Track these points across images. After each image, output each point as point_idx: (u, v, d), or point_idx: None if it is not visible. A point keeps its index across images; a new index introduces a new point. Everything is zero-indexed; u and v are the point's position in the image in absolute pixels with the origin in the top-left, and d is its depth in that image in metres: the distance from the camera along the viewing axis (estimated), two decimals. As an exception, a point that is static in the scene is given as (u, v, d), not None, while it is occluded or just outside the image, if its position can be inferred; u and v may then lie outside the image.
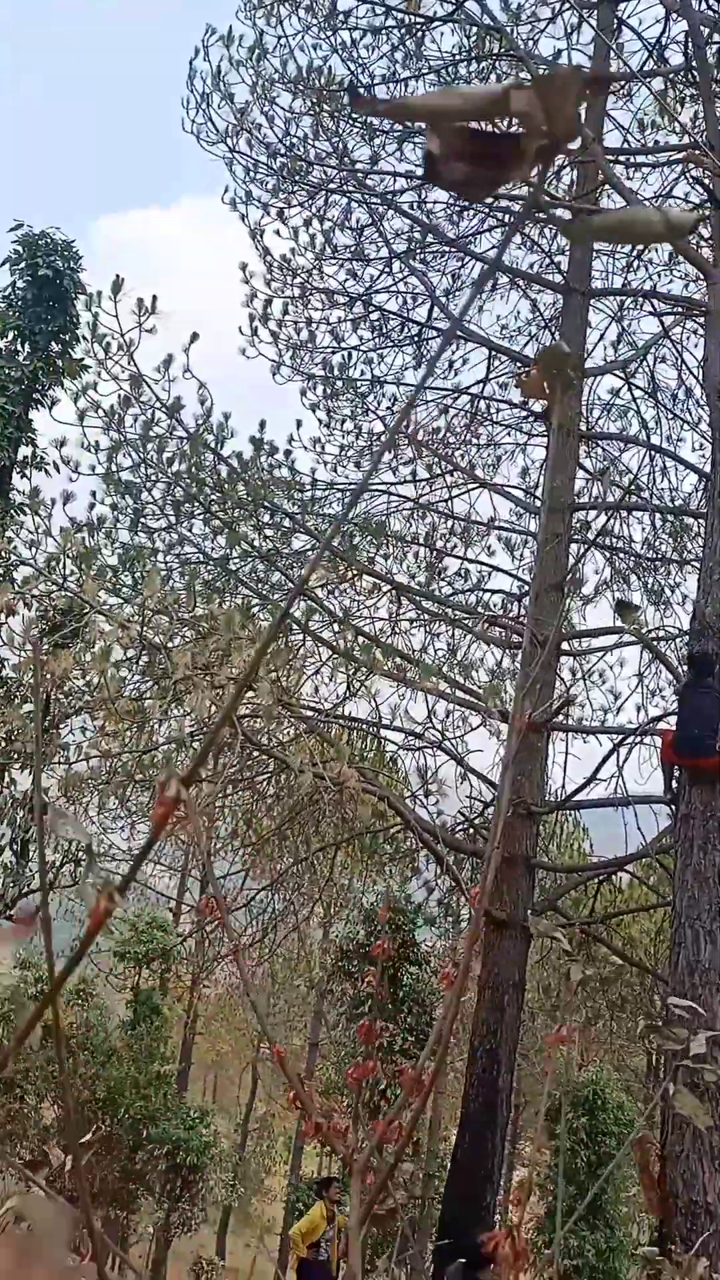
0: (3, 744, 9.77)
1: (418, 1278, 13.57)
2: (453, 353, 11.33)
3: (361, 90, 9.40)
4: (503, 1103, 8.70)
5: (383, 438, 11.04)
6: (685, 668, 7.08)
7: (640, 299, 10.72)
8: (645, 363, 11.10)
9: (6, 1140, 15.84)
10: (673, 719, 7.14)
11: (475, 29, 9.96)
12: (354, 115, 9.80)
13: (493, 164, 0.54)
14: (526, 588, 10.44)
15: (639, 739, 9.08)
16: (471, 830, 9.88)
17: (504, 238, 2.87)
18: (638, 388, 11.30)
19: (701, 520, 8.03)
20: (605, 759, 8.96)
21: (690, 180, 9.76)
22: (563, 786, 9.98)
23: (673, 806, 6.92)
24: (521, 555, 11.06)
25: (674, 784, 6.92)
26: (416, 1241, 14.82)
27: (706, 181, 7.89)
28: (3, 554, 8.16)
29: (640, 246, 10.83)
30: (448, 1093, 17.74)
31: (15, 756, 9.68)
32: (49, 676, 8.81)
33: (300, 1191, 16.22)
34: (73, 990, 17.69)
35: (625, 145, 10.57)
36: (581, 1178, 12.85)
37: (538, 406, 10.33)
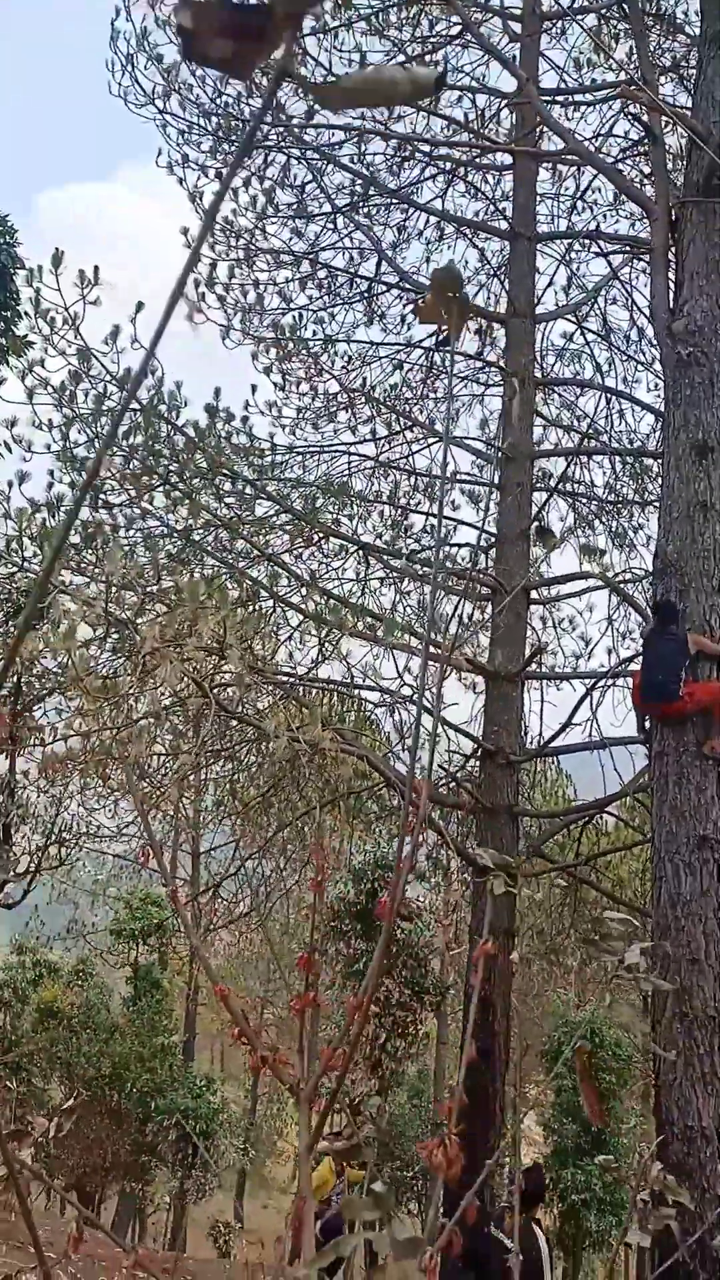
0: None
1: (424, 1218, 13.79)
2: (403, 307, 11.24)
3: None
4: (499, 1046, 8.84)
5: (338, 397, 10.96)
6: (652, 614, 7.12)
7: (587, 240, 10.64)
8: (596, 305, 11.06)
9: (15, 1121, 15.98)
10: (640, 661, 7.19)
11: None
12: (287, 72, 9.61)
13: (250, 37, 0.54)
14: (492, 539, 10.44)
15: (611, 682, 9.14)
16: (454, 784, 9.93)
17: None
18: (590, 331, 11.27)
19: (659, 460, 8.03)
20: (579, 704, 9.02)
21: (629, 117, 9.67)
22: (540, 734, 10.05)
23: (648, 745, 6.99)
24: (486, 506, 11.04)
25: (646, 724, 6.98)
26: (427, 1186, 15.08)
27: (644, 117, 7.81)
28: (-39, 539, 8.08)
29: (583, 187, 10.76)
30: (451, 1042, 18.02)
31: (-9, 742, 9.65)
32: (18, 660, 8.77)
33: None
34: (72, 970, 17.81)
35: (561, 85, 10.46)
36: (583, 1114, 13.08)
37: (474, 346, 10.28)
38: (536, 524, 9.85)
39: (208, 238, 10.15)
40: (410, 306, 10.55)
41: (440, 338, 9.68)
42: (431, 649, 9.40)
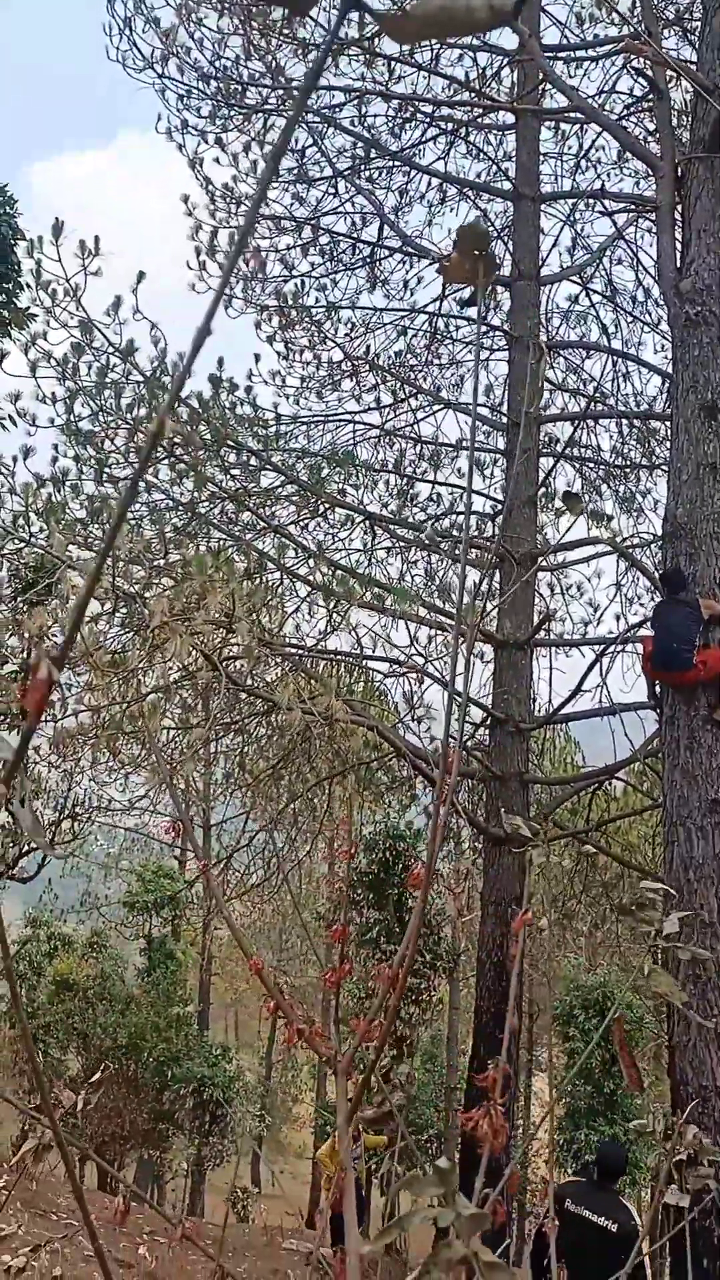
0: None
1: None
2: (406, 271, 11.13)
3: None
4: (513, 1012, 8.89)
5: (342, 366, 10.86)
6: (660, 583, 7.07)
7: (591, 200, 10.49)
8: (602, 266, 10.93)
9: (33, 1093, 16.16)
10: (651, 630, 7.15)
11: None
12: (284, 32, 9.48)
13: None
14: (500, 506, 10.37)
15: (620, 648, 9.10)
16: (464, 752, 9.93)
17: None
18: (595, 292, 11.14)
19: (667, 423, 7.95)
20: (589, 671, 8.99)
21: (632, 72, 9.50)
22: (549, 701, 10.03)
23: (659, 712, 6.96)
24: (492, 474, 10.97)
25: (657, 690, 6.95)
26: (444, 1150, 15.24)
27: (648, 72, 7.66)
28: (-34, 515, 8.04)
29: (587, 145, 10.60)
30: (464, 1008, 18.12)
31: (2, 716, 9.65)
32: (27, 635, 8.76)
33: (326, 1115, 16.62)
34: (85, 943, 17.94)
35: (564, 41, 10.28)
36: (597, 1076, 13.18)
37: (472, 311, 10.18)
38: (564, 490, 9.79)
39: (209, 205, 10.05)
40: (435, 265, 10.42)
41: (466, 298, 9.57)
42: (449, 619, 9.39)
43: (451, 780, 1.24)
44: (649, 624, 7.16)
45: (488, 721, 9.49)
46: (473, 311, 10.62)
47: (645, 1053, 15.03)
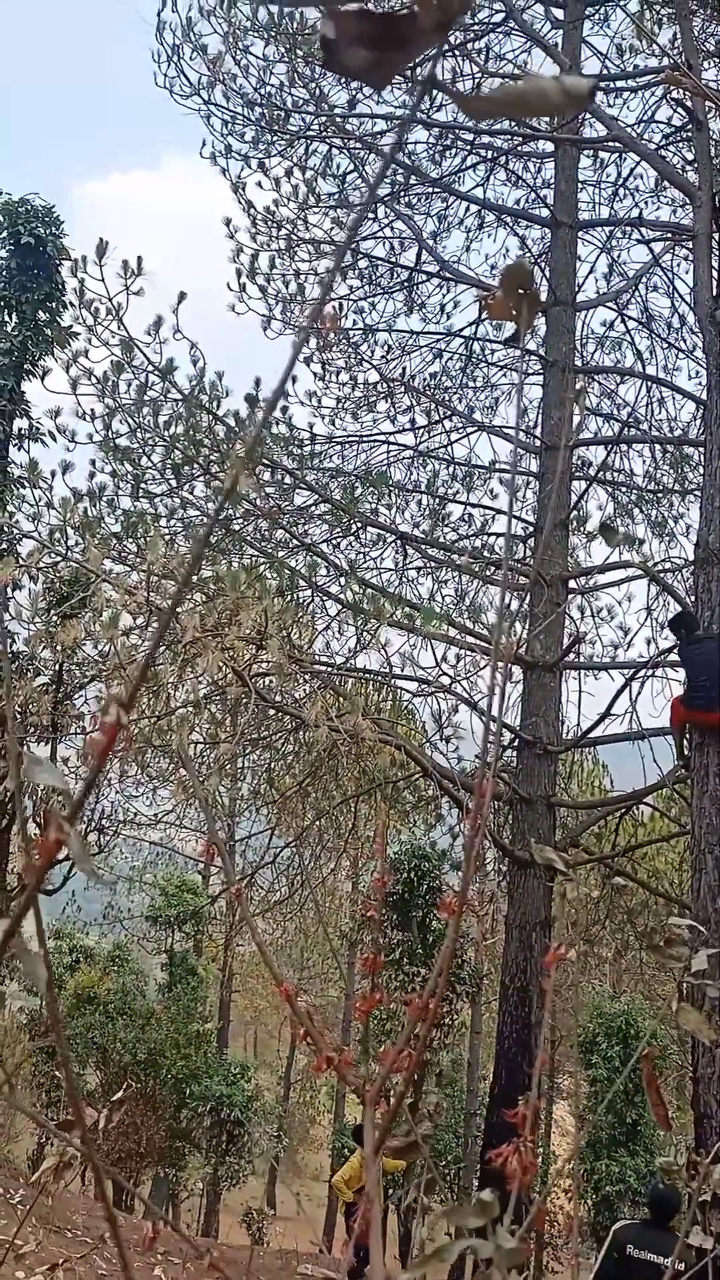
0: (18, 718, 9.84)
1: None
2: (443, 296, 11.23)
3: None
4: (536, 1038, 8.84)
5: (377, 387, 10.95)
6: (671, 631, 7.10)
7: (628, 228, 10.56)
8: (637, 293, 10.98)
9: (51, 1106, 16.18)
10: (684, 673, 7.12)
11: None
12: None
13: (391, 45, 0.53)
14: (531, 529, 10.40)
15: (651, 672, 9.09)
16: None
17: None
18: (631, 319, 11.20)
19: (701, 449, 7.96)
20: (618, 695, 8.98)
21: (671, 102, 9.58)
22: (578, 725, 10.02)
23: (686, 768, 6.93)
24: (524, 496, 11.01)
25: (685, 746, 6.94)
26: (463, 1177, 15.13)
27: (688, 103, 7.73)
28: (5, 528, 8.17)
29: (625, 174, 10.67)
30: (485, 1032, 18.00)
31: (31, 730, 9.77)
32: (60, 647, 8.86)
33: (344, 1139, 16.53)
34: (108, 957, 17.99)
35: (604, 71, 10.38)
36: (619, 1105, 13.06)
37: (508, 330, 10.24)
38: (602, 522, 9.83)
39: (250, 228, 10.20)
40: (480, 303, 10.51)
41: (509, 335, 9.64)
42: (479, 640, 9.41)
43: (486, 808, 1.27)
44: (682, 666, 7.12)
45: (515, 743, 9.50)
46: (516, 344, 10.70)
47: (669, 1083, 14.88)
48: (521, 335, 1.01)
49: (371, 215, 10.51)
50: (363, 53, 0.53)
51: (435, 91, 8.48)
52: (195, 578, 8.11)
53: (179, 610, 7.74)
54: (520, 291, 1.01)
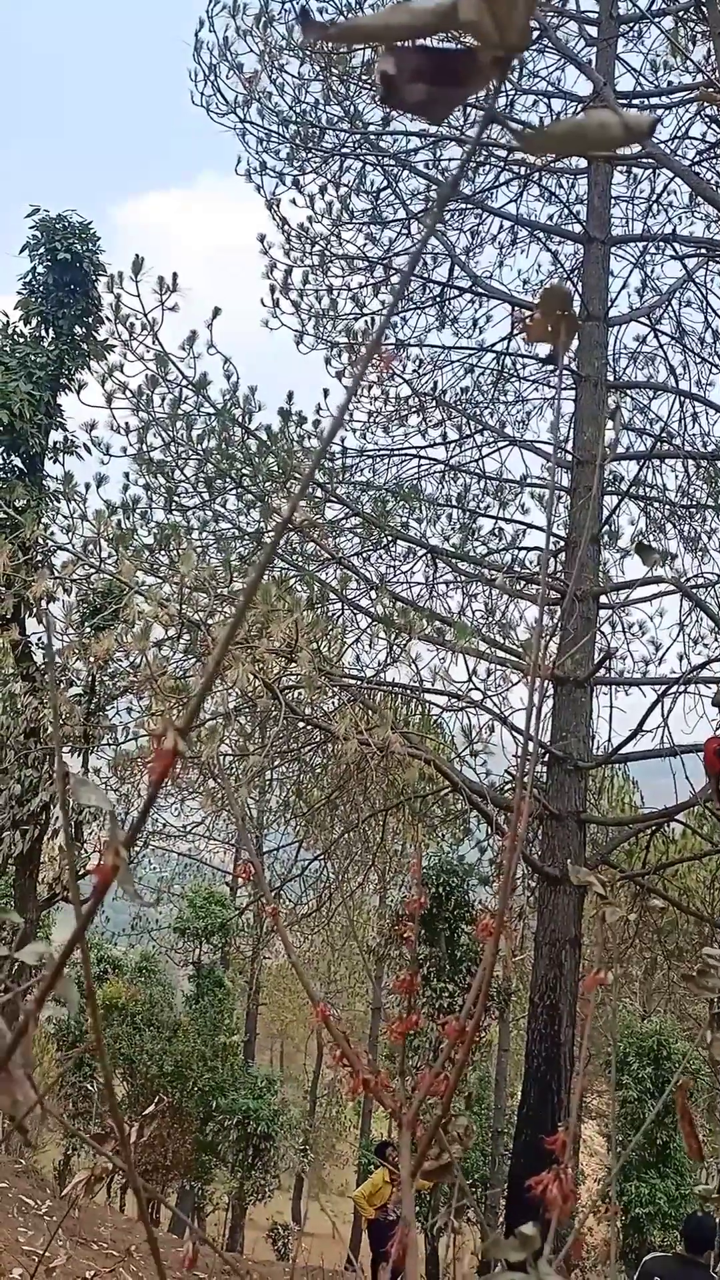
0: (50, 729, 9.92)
1: (490, 1230, 13.74)
2: (475, 311, 11.26)
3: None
4: (565, 1057, 8.77)
5: (409, 401, 10.98)
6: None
7: (661, 243, 10.55)
8: (670, 308, 10.96)
9: (79, 1116, 16.21)
10: None
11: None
12: (363, 78, 9.70)
13: (450, 81, 0.54)
14: (562, 544, 10.38)
15: (683, 688, 9.03)
16: (524, 791, 9.88)
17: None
18: (664, 334, 11.17)
19: (735, 464, 7.94)
20: (650, 710, 8.91)
21: (706, 119, 9.58)
22: (609, 740, 9.96)
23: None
24: (556, 511, 11.00)
25: None
26: (489, 1195, 15.02)
27: (723, 118, 7.73)
28: (40, 540, 8.26)
29: (658, 189, 10.67)
30: (512, 1050, 17.90)
31: (65, 740, 9.83)
32: (93, 659, 8.92)
33: (370, 1155, 16.47)
34: (135, 968, 18.04)
35: (638, 88, 10.40)
36: (650, 1127, 12.93)
37: (544, 350, 10.22)
38: (638, 541, 9.80)
39: (283, 244, 10.27)
40: (518, 325, 10.53)
41: (545, 355, 9.66)
42: (509, 655, 9.40)
43: (522, 828, 1.27)
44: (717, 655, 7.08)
45: (546, 759, 9.46)
46: (553, 364, 10.70)
47: (699, 1104, 14.72)
48: (560, 356, 1.02)
49: (405, 231, 10.57)
50: (421, 88, 0.54)
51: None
52: (227, 590, 8.16)
53: (210, 622, 7.79)
54: (558, 313, 1.02)
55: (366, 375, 10.65)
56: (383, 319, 10.34)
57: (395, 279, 10.75)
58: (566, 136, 0.57)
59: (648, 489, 10.99)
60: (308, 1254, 17.88)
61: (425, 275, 10.86)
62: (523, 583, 10.29)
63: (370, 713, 8.55)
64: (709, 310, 10.86)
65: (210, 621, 7.95)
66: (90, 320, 11.20)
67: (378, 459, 10.95)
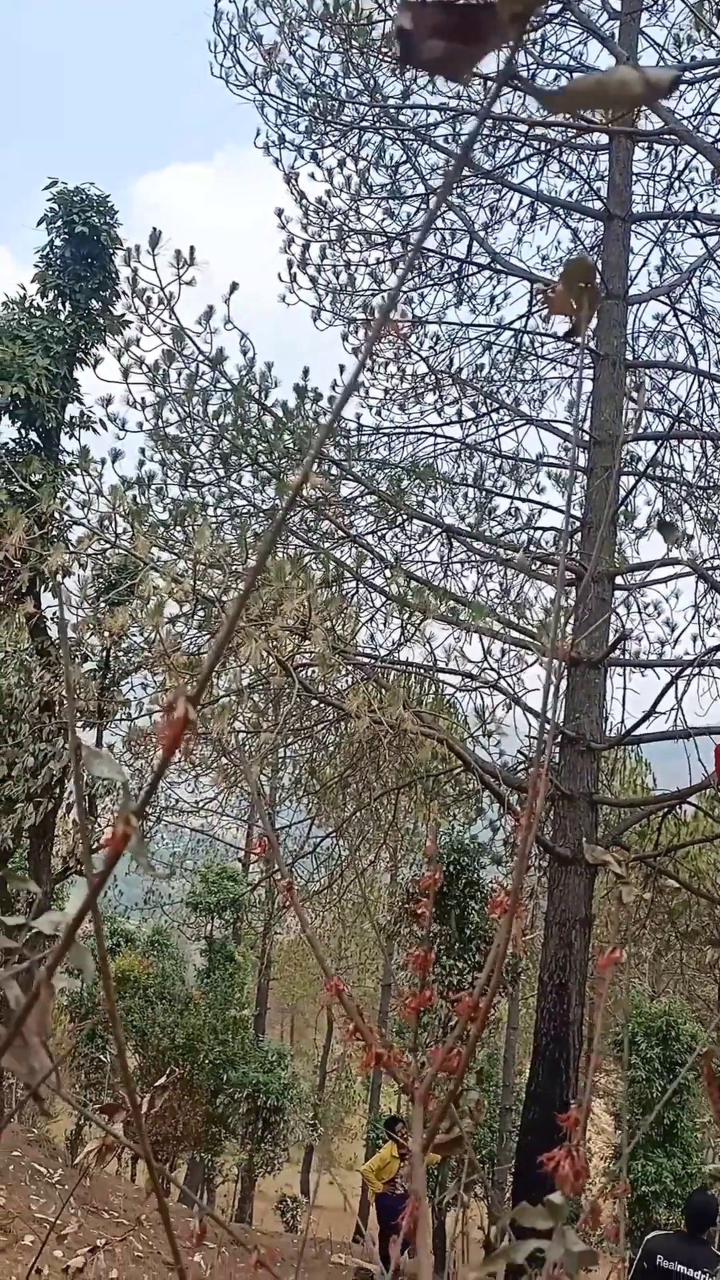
0: (65, 702, 9.95)
1: (497, 1205, 13.86)
2: (494, 288, 11.17)
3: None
4: (574, 1036, 8.80)
5: (425, 379, 10.92)
6: None
7: (682, 221, 10.43)
8: (690, 287, 10.85)
9: (91, 1088, 16.38)
10: None
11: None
12: (383, 51, 9.60)
13: (469, 37, 0.53)
14: (578, 524, 10.34)
15: (697, 670, 9.00)
16: (532, 768, 9.89)
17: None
18: (684, 313, 11.06)
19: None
20: (664, 692, 8.89)
21: (731, 93, 9.45)
22: (622, 722, 9.93)
23: None
24: (572, 490, 10.94)
25: None
26: (497, 1171, 15.13)
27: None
28: (56, 514, 8.26)
29: (680, 166, 10.55)
30: (521, 1028, 17.99)
31: (78, 714, 9.87)
32: (107, 634, 8.94)
33: (378, 1129, 16.61)
34: (147, 941, 18.18)
35: (661, 63, 10.25)
36: (657, 1106, 12.98)
37: (562, 327, 10.15)
38: (660, 519, 9.74)
39: (302, 219, 10.21)
40: (539, 297, 10.43)
41: (567, 330, 9.60)
42: (523, 635, 9.37)
43: (539, 809, 1.27)
44: None
45: (559, 739, 9.45)
46: (575, 339, 10.61)
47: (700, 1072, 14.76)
48: (581, 331, 1.00)
49: (424, 206, 10.48)
50: (440, 45, 0.53)
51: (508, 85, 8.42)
52: (242, 567, 8.16)
53: (224, 599, 7.79)
54: (581, 286, 1.00)
55: (383, 351, 10.60)
56: (395, 291, 10.28)
57: (412, 254, 10.67)
58: (588, 93, 0.55)
59: (665, 469, 10.91)
60: (316, 1226, 18.07)
61: (444, 251, 10.77)
62: (538, 563, 10.25)
63: (383, 691, 8.55)
64: (730, 289, 10.75)
65: (224, 598, 7.95)
66: (107, 294, 11.15)
67: (393, 437, 10.90)
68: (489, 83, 8.78)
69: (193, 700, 0.76)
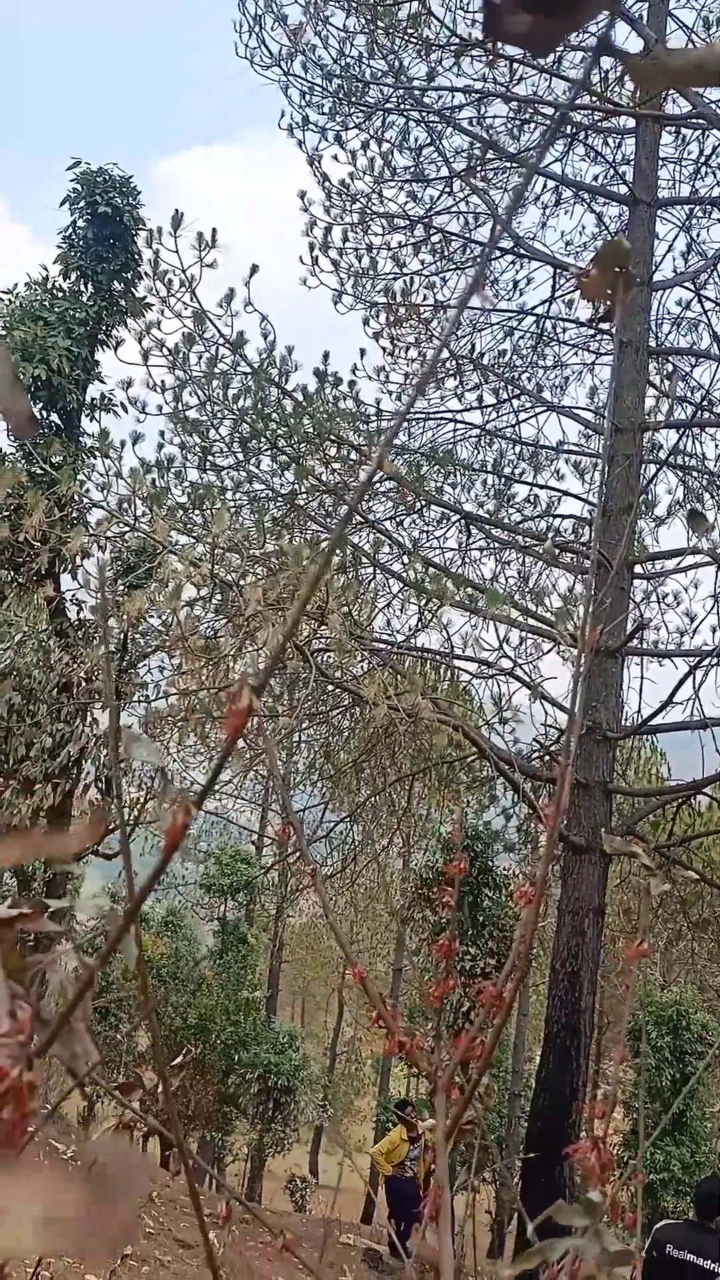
0: (83, 684, 9.99)
1: (506, 1191, 13.92)
2: (516, 272, 11.09)
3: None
4: (585, 1023, 8.81)
5: (447, 364, 10.86)
6: None
7: (709, 207, 10.33)
8: (716, 272, 10.74)
9: (103, 1066, 16.51)
10: None
11: None
12: (409, 32, 9.52)
13: (559, 10, 0.51)
14: (598, 511, 10.29)
15: (716, 661, 8.95)
16: (547, 757, 9.88)
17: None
18: (708, 299, 10.95)
19: (778, 434, 7.80)
20: (681, 682, 8.84)
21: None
22: (638, 711, 9.90)
23: None
24: (592, 479, 10.88)
25: None
26: (505, 1157, 15.18)
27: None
28: (75, 497, 8.27)
29: (707, 151, 10.44)
30: (531, 1014, 18.03)
31: (96, 696, 9.91)
32: (125, 617, 8.95)
33: (388, 1112, 16.70)
34: (161, 922, 18.28)
35: (691, 46, 10.13)
36: (666, 1095, 13.01)
37: (588, 313, 10.08)
38: (691, 508, 9.67)
39: (325, 201, 10.15)
40: (572, 281, 10.35)
41: (600, 315, 9.52)
42: (541, 623, 9.35)
43: (565, 800, 1.26)
44: None
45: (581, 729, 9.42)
46: (607, 323, 10.53)
47: (717, 1075, 14.79)
48: (616, 314, 0.97)
49: (447, 190, 10.40)
50: (527, 18, 0.51)
51: (608, 56, 8.36)
52: (260, 551, 8.16)
53: (242, 584, 7.79)
54: (616, 269, 0.98)
55: (403, 336, 10.56)
56: (422, 279, 10.25)
57: (436, 238, 10.61)
58: (686, 70, 0.53)
59: (686, 457, 10.83)
60: (323, 1205, 18.19)
61: (467, 235, 10.70)
62: (558, 550, 10.20)
63: (400, 678, 8.55)
64: (756, 275, 10.64)
65: (242, 582, 7.96)
66: (129, 276, 11.13)
67: (413, 422, 10.85)
68: (594, 55, 8.73)
69: (257, 690, 0.75)
